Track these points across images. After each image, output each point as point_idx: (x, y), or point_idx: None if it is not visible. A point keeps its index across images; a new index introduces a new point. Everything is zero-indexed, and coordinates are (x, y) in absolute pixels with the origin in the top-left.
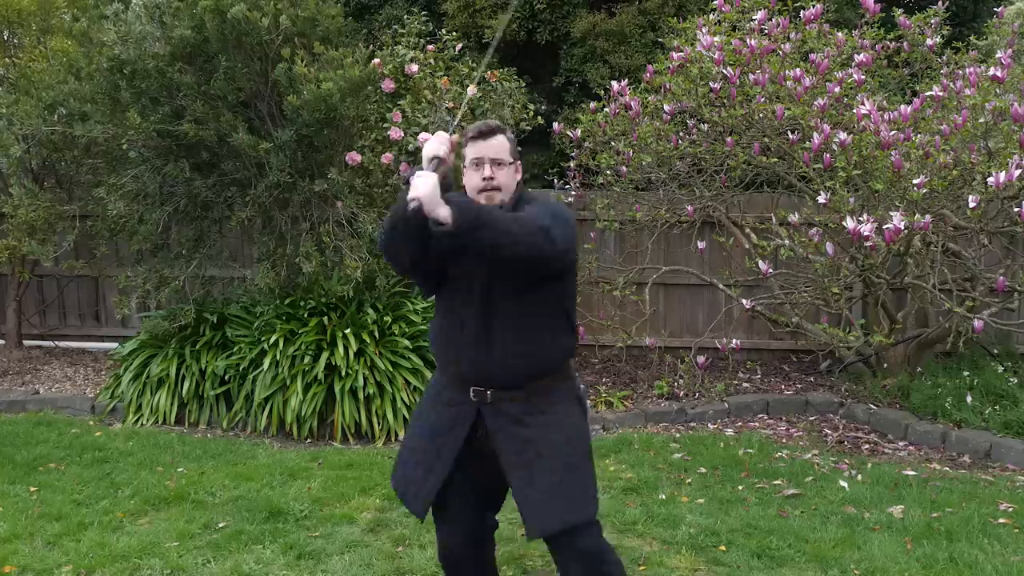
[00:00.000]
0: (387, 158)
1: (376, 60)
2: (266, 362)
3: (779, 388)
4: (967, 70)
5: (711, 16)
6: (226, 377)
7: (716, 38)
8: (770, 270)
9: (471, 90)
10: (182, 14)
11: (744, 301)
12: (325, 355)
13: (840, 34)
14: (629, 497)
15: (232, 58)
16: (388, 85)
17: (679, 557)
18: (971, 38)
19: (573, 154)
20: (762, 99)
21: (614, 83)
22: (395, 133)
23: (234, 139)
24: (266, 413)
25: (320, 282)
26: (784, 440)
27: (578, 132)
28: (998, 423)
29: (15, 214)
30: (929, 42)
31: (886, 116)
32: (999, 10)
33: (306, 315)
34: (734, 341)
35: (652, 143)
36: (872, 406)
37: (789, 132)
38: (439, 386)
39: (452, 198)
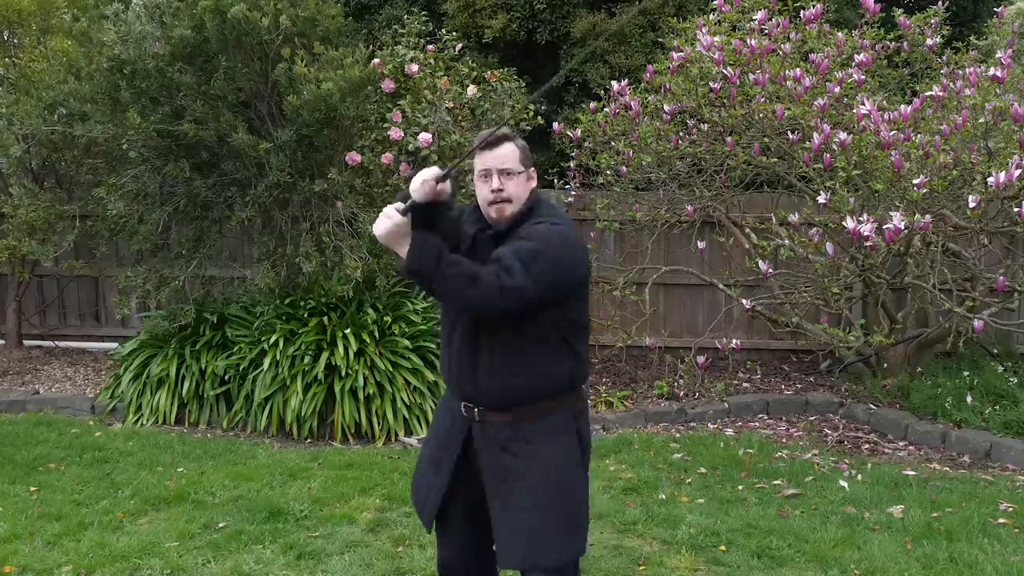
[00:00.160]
0: (387, 158)
1: (376, 60)
2: (266, 362)
3: (779, 388)
4: (967, 70)
5: (711, 16)
6: (226, 377)
7: (716, 38)
8: (770, 270)
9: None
10: (182, 14)
11: (744, 301)
12: (325, 355)
13: (840, 34)
14: (629, 497)
15: (232, 58)
16: (388, 85)
17: (679, 557)
18: (971, 38)
19: (573, 154)
20: (762, 99)
21: (614, 83)
22: (395, 133)
23: (234, 139)
24: (266, 413)
25: (320, 282)
26: (784, 440)
27: (578, 132)
28: (998, 423)
29: (15, 214)
30: (929, 42)
31: (886, 116)
32: (999, 10)
33: (306, 315)
34: (734, 341)
35: (652, 143)
36: (872, 406)
37: (789, 132)
38: (448, 394)
39: (466, 218)
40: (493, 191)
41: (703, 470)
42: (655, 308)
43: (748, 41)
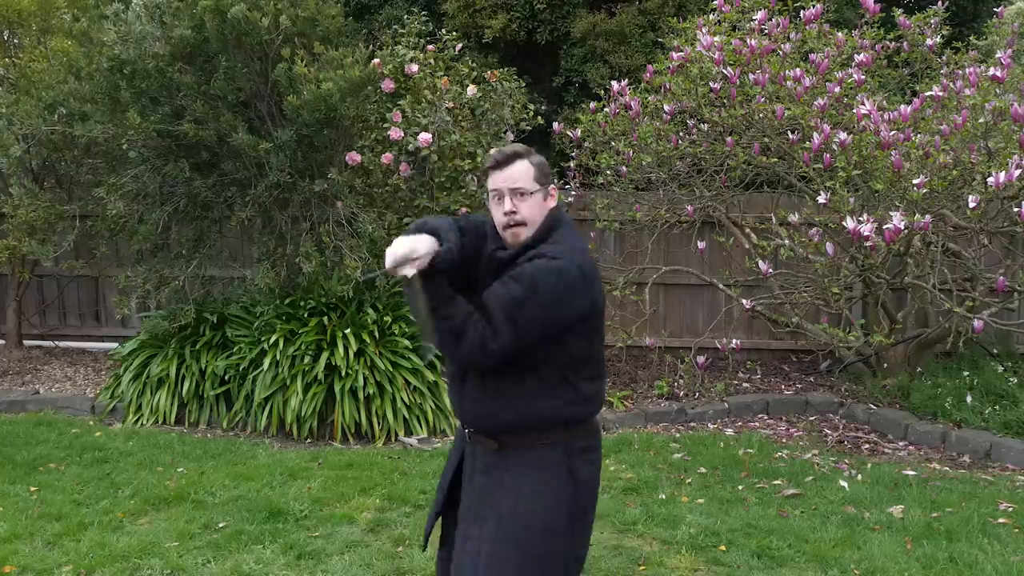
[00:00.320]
0: (387, 158)
1: (376, 60)
2: (266, 362)
3: (779, 388)
4: (967, 70)
5: (711, 16)
6: (226, 377)
7: (716, 38)
8: (770, 270)
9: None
10: (182, 14)
11: (744, 301)
12: (325, 355)
13: (840, 34)
14: (629, 497)
15: (232, 58)
16: (388, 85)
17: (679, 557)
18: (971, 38)
19: (573, 154)
20: (762, 99)
21: (614, 83)
22: (395, 133)
23: (234, 139)
24: (266, 413)
25: (320, 282)
26: (784, 440)
27: (578, 132)
28: (998, 423)
29: (15, 214)
30: (929, 42)
31: (886, 116)
32: (999, 10)
33: (306, 315)
34: (734, 341)
35: (652, 143)
36: (872, 406)
37: (789, 132)
38: None
39: (490, 232)
40: (506, 214)
41: (703, 470)
42: (655, 308)
43: (748, 41)
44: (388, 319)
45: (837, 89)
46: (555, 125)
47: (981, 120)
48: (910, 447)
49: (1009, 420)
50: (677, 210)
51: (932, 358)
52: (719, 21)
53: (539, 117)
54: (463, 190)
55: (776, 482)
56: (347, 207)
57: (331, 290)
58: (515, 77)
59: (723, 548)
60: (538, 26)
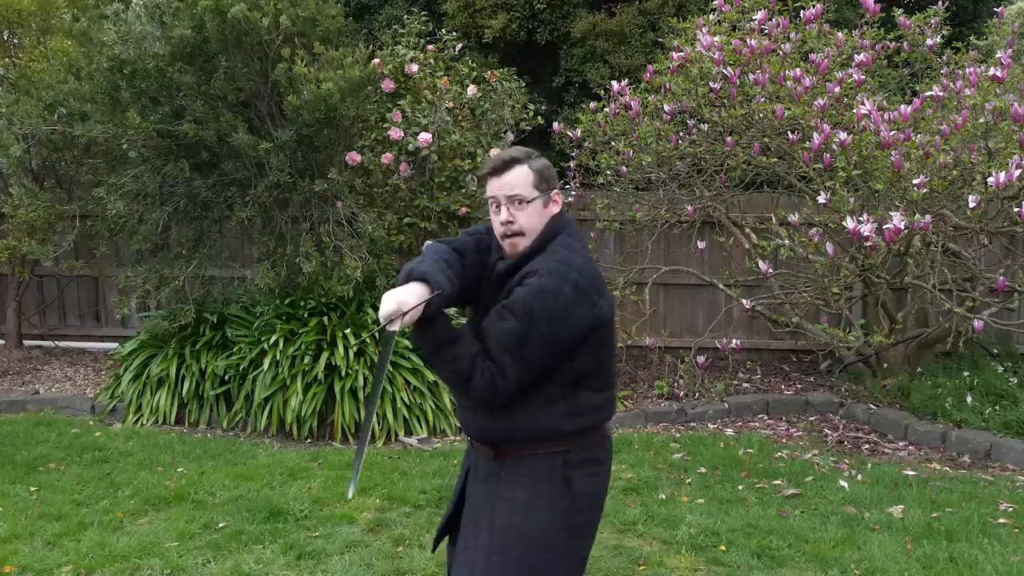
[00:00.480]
0: (387, 158)
1: (376, 60)
2: (266, 362)
3: (779, 388)
4: (967, 70)
5: (711, 16)
6: (226, 377)
7: (716, 38)
8: (770, 270)
9: None
10: (182, 14)
11: (744, 301)
12: (325, 355)
13: (840, 34)
14: (629, 497)
15: (232, 58)
16: (388, 85)
17: (679, 557)
18: (971, 38)
19: (573, 154)
20: (762, 99)
21: (614, 83)
22: (395, 133)
23: (234, 139)
24: (266, 413)
25: (320, 282)
26: (784, 440)
27: (578, 132)
28: (998, 423)
29: (15, 214)
30: (929, 42)
31: (886, 116)
32: (999, 10)
33: (306, 315)
34: (734, 341)
35: (652, 143)
36: (872, 406)
37: (789, 132)
38: None
39: (494, 243)
40: (503, 223)
41: (703, 470)
42: (655, 308)
43: (748, 41)
44: None
45: (837, 89)
46: (555, 125)
47: (981, 120)
48: (910, 447)
49: (1009, 420)
50: (677, 210)
51: (932, 358)
52: (719, 21)
53: (539, 117)
54: (463, 190)
55: (776, 482)
56: (347, 207)
57: (331, 290)
58: (515, 77)
59: (723, 548)
60: (538, 26)
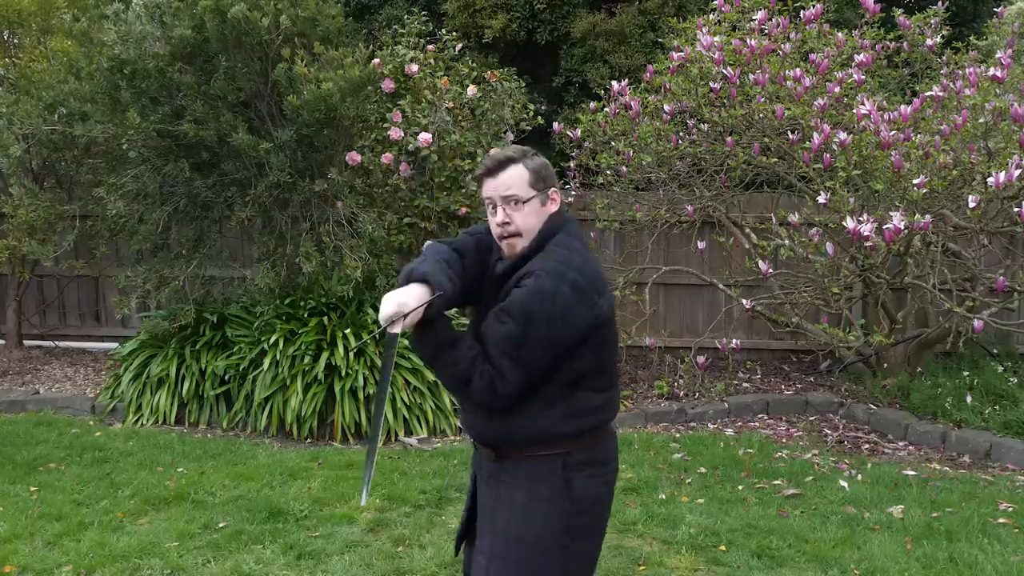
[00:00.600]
0: (387, 158)
1: (376, 60)
2: (266, 362)
3: (779, 388)
4: (967, 70)
5: (711, 16)
6: (226, 377)
7: (716, 38)
8: (770, 270)
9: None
10: (182, 14)
11: (744, 301)
12: (325, 355)
13: (840, 34)
14: (629, 497)
15: (232, 58)
16: (388, 85)
17: (679, 557)
18: (971, 38)
19: (573, 154)
20: (762, 99)
21: (614, 83)
22: (395, 133)
23: (234, 139)
24: (266, 413)
25: (320, 282)
26: (784, 440)
27: (578, 132)
28: (998, 423)
29: (15, 214)
30: (929, 42)
31: (886, 116)
32: (999, 10)
33: (306, 315)
34: (734, 341)
35: (652, 143)
36: (872, 406)
37: (789, 132)
38: None
39: (495, 243)
40: (499, 224)
41: (703, 470)
42: (655, 308)
43: (748, 41)
44: None
45: (837, 89)
46: (555, 125)
47: (981, 120)
48: (910, 447)
49: (1009, 420)
50: (677, 210)
51: (932, 358)
52: (719, 21)
53: (539, 117)
54: (463, 190)
55: (776, 482)
56: (347, 207)
57: (331, 290)
58: (515, 77)
59: (723, 548)
60: (538, 26)
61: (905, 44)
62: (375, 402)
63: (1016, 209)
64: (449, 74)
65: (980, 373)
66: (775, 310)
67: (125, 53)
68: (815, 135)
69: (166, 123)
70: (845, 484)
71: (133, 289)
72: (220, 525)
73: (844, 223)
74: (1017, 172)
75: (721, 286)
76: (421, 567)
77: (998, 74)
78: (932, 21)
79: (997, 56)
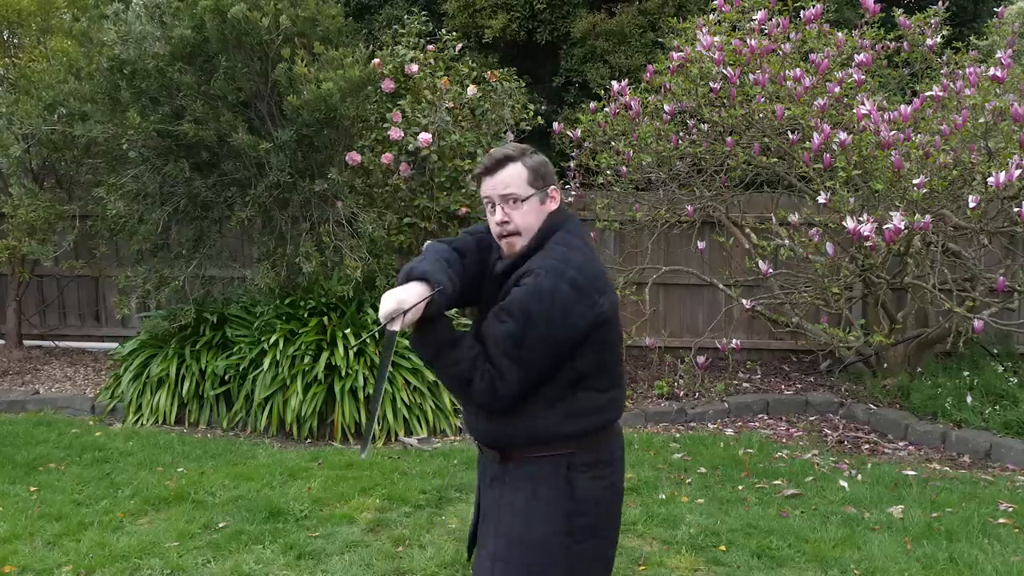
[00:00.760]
0: (387, 158)
1: (376, 60)
2: (266, 362)
3: (779, 388)
4: (967, 70)
5: (711, 16)
6: (226, 377)
7: (716, 38)
8: (770, 270)
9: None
10: (182, 14)
11: (744, 301)
12: (325, 355)
13: (840, 34)
14: (629, 497)
15: (232, 58)
16: (388, 85)
17: (679, 557)
18: (971, 38)
19: (573, 154)
20: (762, 99)
21: (614, 83)
22: (395, 133)
23: (234, 139)
24: (266, 413)
25: (320, 282)
26: (784, 440)
27: (578, 132)
28: (998, 423)
29: (15, 214)
30: (929, 42)
31: (886, 116)
32: (999, 10)
33: (306, 315)
34: (734, 341)
35: (652, 143)
36: (872, 406)
37: (789, 132)
38: None
39: (495, 242)
40: (498, 223)
41: (703, 470)
42: (655, 308)
43: (748, 41)
44: None
45: (837, 89)
46: (555, 125)
47: (981, 120)
48: (910, 447)
49: (1009, 420)
50: (677, 210)
51: (932, 358)
52: (719, 21)
53: (539, 117)
54: (463, 190)
55: (776, 482)
56: (347, 207)
57: (331, 290)
58: (515, 77)
59: (723, 548)
60: (538, 26)
61: (905, 44)
62: (371, 399)
63: (1016, 209)
64: (449, 74)
65: (980, 373)
66: (775, 310)
67: (125, 53)
68: (815, 135)
69: (166, 123)
70: (845, 484)
71: (133, 289)
72: (220, 525)
73: (844, 223)
74: (1017, 172)
75: (721, 286)
76: (421, 567)
77: (998, 74)
78: (932, 21)
79: (997, 56)
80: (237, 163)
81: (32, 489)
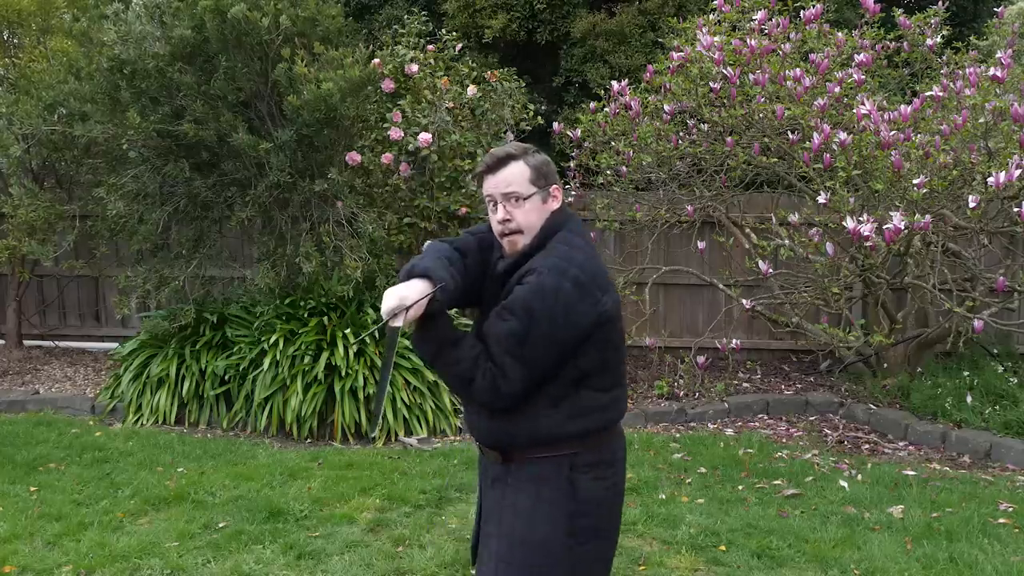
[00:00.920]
0: (387, 158)
1: (376, 60)
2: (266, 362)
3: (779, 388)
4: (967, 70)
5: (711, 16)
6: (226, 377)
7: (716, 38)
8: (770, 270)
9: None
10: (182, 14)
11: (744, 301)
12: (325, 355)
13: (840, 34)
14: (629, 497)
15: (232, 58)
16: (388, 85)
17: (679, 557)
18: (971, 38)
19: (573, 154)
20: (762, 99)
21: (614, 83)
22: (395, 133)
23: (234, 139)
24: (266, 413)
25: (320, 282)
26: (784, 440)
27: (578, 132)
28: (998, 423)
29: (15, 214)
30: (929, 42)
31: (886, 116)
32: (999, 10)
33: (306, 315)
34: (734, 341)
35: (652, 143)
36: (872, 406)
37: (789, 132)
38: None
39: (497, 242)
40: (500, 222)
41: (703, 470)
42: (655, 308)
43: (748, 41)
44: None
45: (837, 89)
46: (555, 125)
47: (981, 120)
48: (910, 447)
49: (1009, 420)
50: (677, 210)
51: (932, 358)
52: (719, 21)
53: (539, 117)
54: (463, 190)
55: (776, 482)
56: (347, 207)
57: (331, 290)
58: (515, 77)
59: (723, 548)
60: (538, 26)
61: (905, 44)
62: (376, 393)
63: (1016, 209)
64: (449, 74)
65: (980, 373)
66: (775, 310)
67: (125, 53)
68: (815, 135)
69: (166, 123)
70: (845, 484)
71: (133, 289)
72: (220, 525)
73: (844, 223)
74: (1017, 172)
75: (721, 286)
76: (421, 567)
77: (998, 74)
78: (932, 21)
79: (997, 56)
80: (237, 163)
81: (32, 489)
